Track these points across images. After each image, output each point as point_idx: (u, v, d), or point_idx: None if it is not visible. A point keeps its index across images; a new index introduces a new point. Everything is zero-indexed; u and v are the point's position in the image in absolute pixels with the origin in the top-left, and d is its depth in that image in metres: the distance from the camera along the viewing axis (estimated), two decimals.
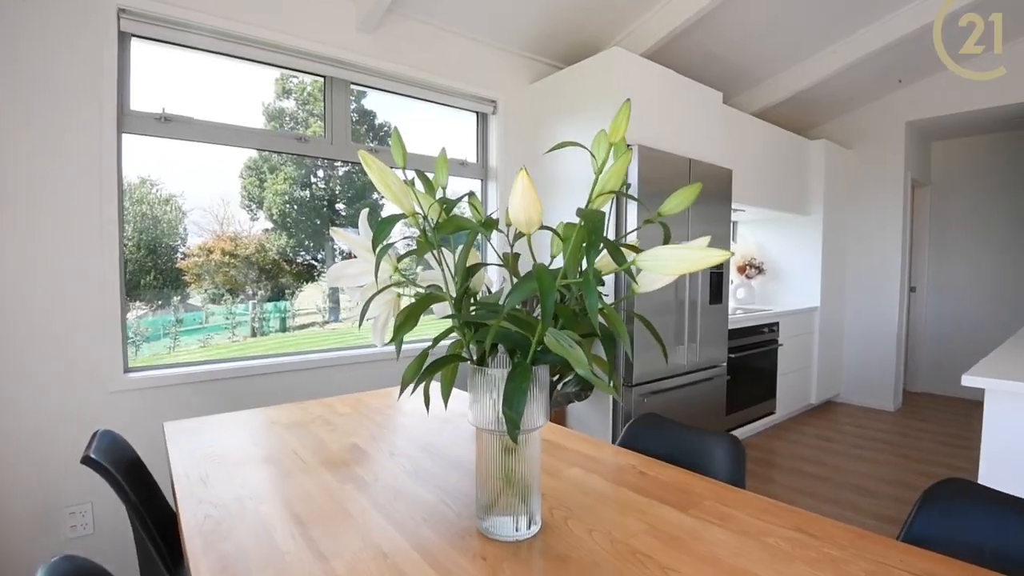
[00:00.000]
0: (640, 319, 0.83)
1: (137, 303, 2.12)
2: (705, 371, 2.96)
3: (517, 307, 0.93)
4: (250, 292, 2.37)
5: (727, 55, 3.39)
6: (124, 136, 1.95)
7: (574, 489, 1.06)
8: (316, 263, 2.47)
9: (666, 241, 0.85)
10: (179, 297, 2.23)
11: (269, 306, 2.46)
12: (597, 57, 2.59)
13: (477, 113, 2.98)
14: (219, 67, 2.21)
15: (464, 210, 1.09)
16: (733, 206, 3.26)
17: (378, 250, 0.84)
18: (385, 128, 2.83)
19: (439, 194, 0.98)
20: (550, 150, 0.77)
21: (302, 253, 2.49)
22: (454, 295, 0.94)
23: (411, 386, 0.80)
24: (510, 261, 1.04)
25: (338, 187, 2.68)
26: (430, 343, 0.83)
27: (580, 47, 3.01)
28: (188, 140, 2.07)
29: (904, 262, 4.51)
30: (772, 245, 4.66)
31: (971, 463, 3.25)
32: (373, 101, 2.77)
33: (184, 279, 2.23)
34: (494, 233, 0.98)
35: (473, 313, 0.90)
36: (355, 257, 0.97)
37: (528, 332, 0.82)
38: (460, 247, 1.01)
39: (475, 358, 0.87)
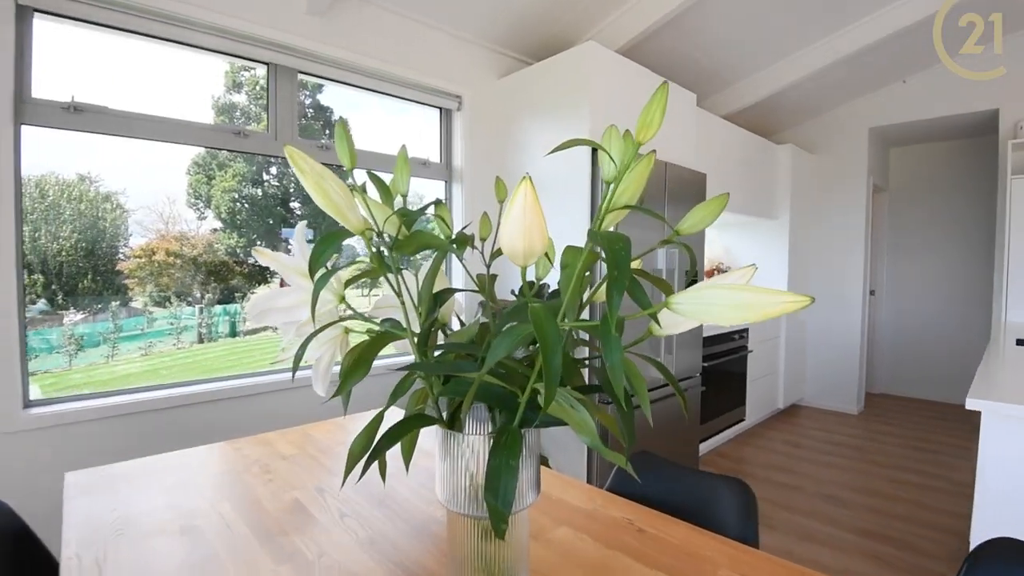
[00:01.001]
0: (657, 366, 0.65)
1: (71, 310, 1.97)
2: (681, 382, 2.85)
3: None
4: (198, 295, 2.24)
5: (699, 57, 3.30)
6: (26, 127, 1.66)
7: (563, 559, 0.88)
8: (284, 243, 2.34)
9: (692, 267, 0.68)
10: (118, 302, 2.09)
11: (218, 309, 2.32)
12: (570, 52, 2.42)
13: (441, 109, 2.77)
14: (155, 54, 1.97)
15: (429, 223, 0.89)
16: None
17: (317, 277, 0.63)
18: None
19: (398, 203, 0.79)
20: (554, 150, 0.58)
21: (296, 227, 2.27)
22: (417, 331, 0.75)
23: (359, 467, 0.60)
24: (487, 285, 0.85)
25: (292, 185, 2.47)
26: (383, 406, 0.63)
27: (550, 42, 2.84)
28: (98, 132, 1.79)
29: (866, 266, 4.56)
30: (740, 249, 4.63)
31: (940, 468, 3.27)
32: (330, 96, 2.53)
33: (125, 282, 2.10)
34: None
35: (440, 358, 0.70)
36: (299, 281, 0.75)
37: (515, 386, 0.63)
38: (424, 268, 0.81)
39: (444, 416, 0.68)
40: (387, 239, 0.74)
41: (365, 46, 2.32)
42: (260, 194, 2.41)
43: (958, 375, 4.66)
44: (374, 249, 0.73)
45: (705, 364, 3.18)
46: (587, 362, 0.75)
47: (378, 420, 0.62)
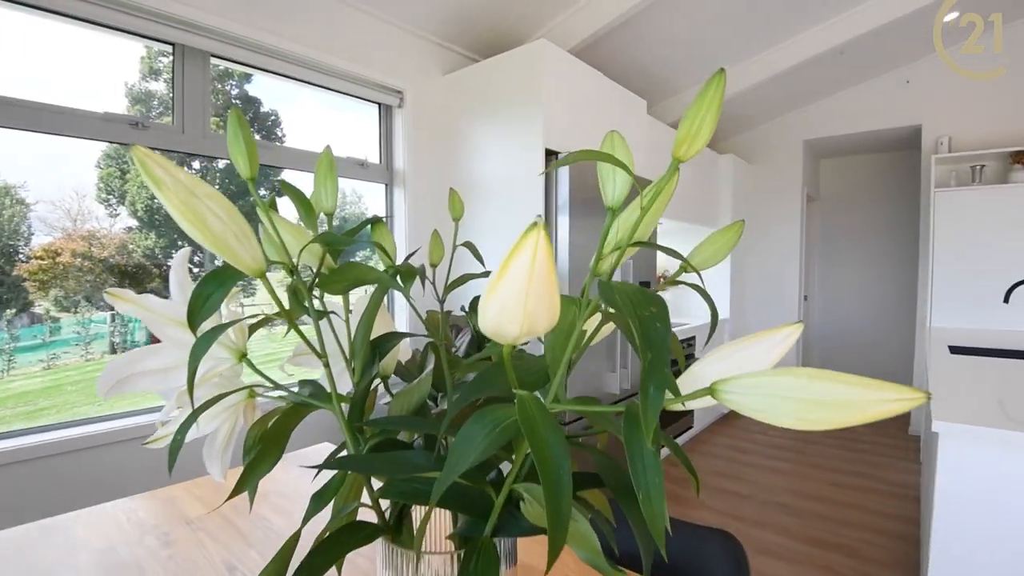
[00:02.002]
0: (673, 448, 0.50)
1: None
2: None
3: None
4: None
5: (649, 63, 3.25)
6: None
7: None
8: (192, 267, 2.13)
9: (714, 319, 0.52)
10: (15, 309, 1.90)
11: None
12: (522, 49, 2.28)
13: (380, 105, 2.54)
14: (45, 32, 1.65)
15: (368, 254, 0.69)
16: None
17: (199, 336, 0.44)
18: (272, 118, 2.33)
19: (323, 224, 0.60)
20: (560, 164, 0.41)
21: (175, 255, 1.99)
22: (348, 392, 0.57)
23: None
24: (440, 327, 0.68)
25: (218, 181, 2.22)
26: (296, 532, 0.44)
27: (498, 38, 2.69)
28: None
29: (801, 272, 4.71)
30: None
31: (875, 469, 3.38)
32: (260, 86, 2.25)
33: (24, 285, 1.91)
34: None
35: (380, 439, 0.52)
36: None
37: (483, 479, 0.46)
38: (358, 305, 0.64)
39: (388, 519, 0.50)
40: (308, 272, 0.56)
41: (294, 30, 2.07)
42: None
43: (886, 375, 4.89)
44: (292, 287, 0.54)
45: None
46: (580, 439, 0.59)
47: (292, 544, 0.43)
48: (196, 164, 2.15)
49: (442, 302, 0.68)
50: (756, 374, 0.33)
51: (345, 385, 0.65)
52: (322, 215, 0.60)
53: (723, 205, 4.44)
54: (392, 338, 0.63)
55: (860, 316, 5.17)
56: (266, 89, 2.27)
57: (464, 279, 0.72)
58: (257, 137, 2.26)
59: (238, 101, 2.29)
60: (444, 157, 2.63)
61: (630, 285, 0.34)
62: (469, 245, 0.79)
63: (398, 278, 0.63)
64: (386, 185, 2.59)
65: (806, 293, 5.26)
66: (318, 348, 0.52)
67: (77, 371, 1.99)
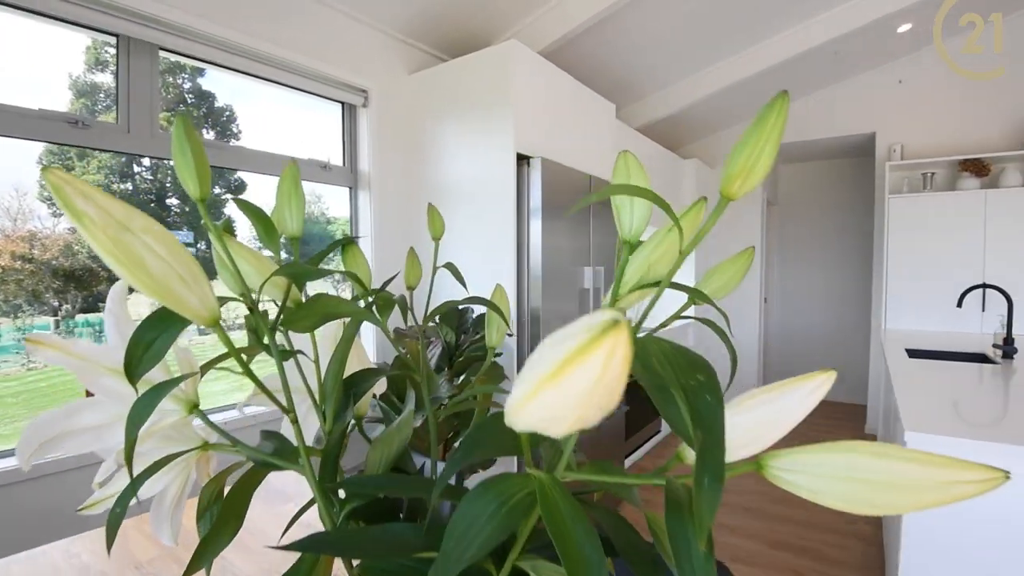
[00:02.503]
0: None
1: None
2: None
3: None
4: (56, 304, 1.96)
5: (616, 66, 3.25)
6: None
7: None
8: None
9: (734, 362, 0.48)
10: None
11: (81, 320, 2.03)
12: (492, 50, 2.22)
13: (343, 104, 2.44)
14: None
15: (343, 287, 0.63)
16: None
17: (143, 392, 0.37)
18: (227, 112, 2.20)
19: (288, 252, 0.53)
20: (595, 199, 0.36)
21: (111, 289, 1.87)
22: (316, 435, 0.51)
23: None
24: (420, 361, 0.62)
25: (169, 179, 2.10)
26: None
27: (466, 38, 2.62)
28: None
29: (762, 275, 4.83)
30: None
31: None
32: (215, 80, 2.12)
33: None
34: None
35: (358, 504, 0.46)
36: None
37: (488, 562, 0.41)
38: (326, 341, 0.58)
39: None
40: (272, 305, 0.49)
41: (250, 24, 1.95)
42: (131, 189, 2.08)
43: (843, 376, 5.09)
44: (253, 325, 0.47)
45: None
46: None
47: None
48: (146, 161, 2.01)
49: (422, 331, 0.61)
50: (810, 450, 0.29)
51: (312, 425, 0.58)
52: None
53: (685, 208, 4.50)
54: (368, 376, 0.57)
55: (817, 318, 5.34)
56: (221, 83, 2.14)
57: (446, 307, 0.66)
58: (210, 135, 2.12)
59: (191, 95, 2.15)
60: (411, 159, 2.55)
61: (665, 343, 0.29)
62: (451, 267, 0.73)
63: (375, 309, 0.56)
64: (350, 188, 2.48)
65: (766, 295, 5.41)
66: (284, 400, 0.46)
67: (18, 381, 1.89)
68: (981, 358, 2.61)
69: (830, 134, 4.26)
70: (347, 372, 0.56)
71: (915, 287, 3.62)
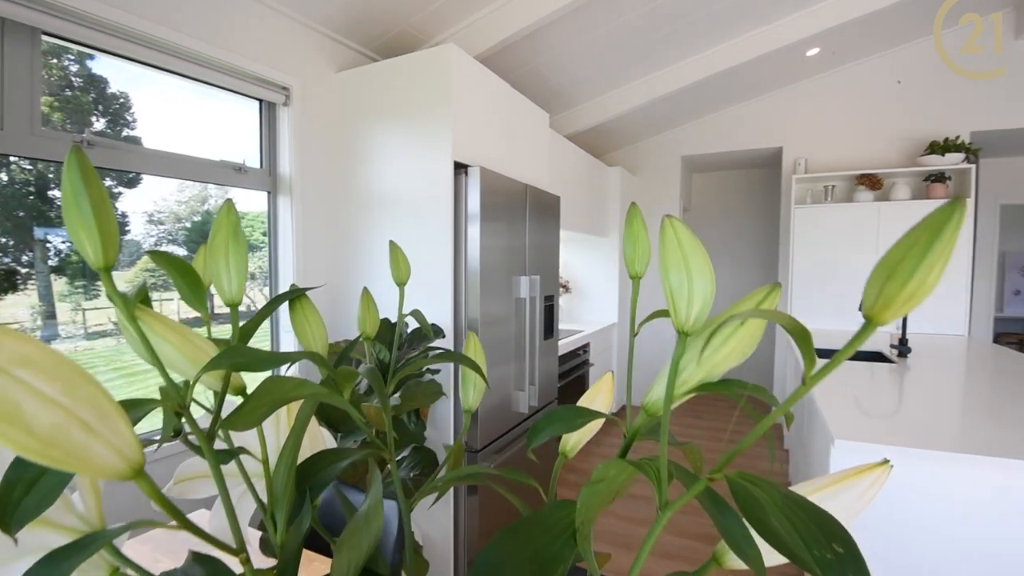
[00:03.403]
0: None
1: None
2: (541, 411, 2.72)
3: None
4: None
5: (549, 75, 3.23)
6: None
7: None
8: (21, 267, 1.83)
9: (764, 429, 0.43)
10: None
11: None
12: (428, 53, 2.11)
13: (262, 102, 2.22)
14: None
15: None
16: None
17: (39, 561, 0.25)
18: (122, 100, 1.92)
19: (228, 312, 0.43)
20: (697, 391, 0.29)
21: None
22: (256, 527, 0.41)
23: None
24: (388, 439, 0.54)
25: (52, 170, 1.81)
26: None
27: (398, 38, 2.49)
28: None
29: None
30: (576, 265, 4.78)
31: (745, 459, 3.71)
32: (107, 63, 1.83)
33: None
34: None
35: None
36: None
37: None
38: (269, 427, 0.48)
39: None
40: (203, 405, 0.39)
41: (150, 8, 1.71)
42: (4, 179, 1.83)
43: (751, 375, 5.47)
44: (174, 431, 0.36)
45: (558, 384, 3.13)
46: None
47: None
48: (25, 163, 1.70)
49: (385, 401, 0.52)
50: None
51: (247, 507, 0.48)
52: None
53: (611, 215, 4.61)
54: (326, 463, 0.47)
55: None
56: (116, 68, 1.85)
57: (419, 364, 0.57)
58: (100, 124, 1.84)
59: (78, 79, 1.85)
60: (339, 163, 2.38)
61: (776, 490, 0.23)
62: (417, 314, 0.64)
63: (334, 383, 0.47)
64: (269, 193, 2.26)
65: None
66: (231, 537, 0.35)
67: None
68: (879, 357, 2.86)
69: (741, 147, 4.54)
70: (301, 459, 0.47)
71: (818, 290, 3.94)
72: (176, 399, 0.34)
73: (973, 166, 3.49)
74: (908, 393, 2.12)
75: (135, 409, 0.33)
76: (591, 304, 4.74)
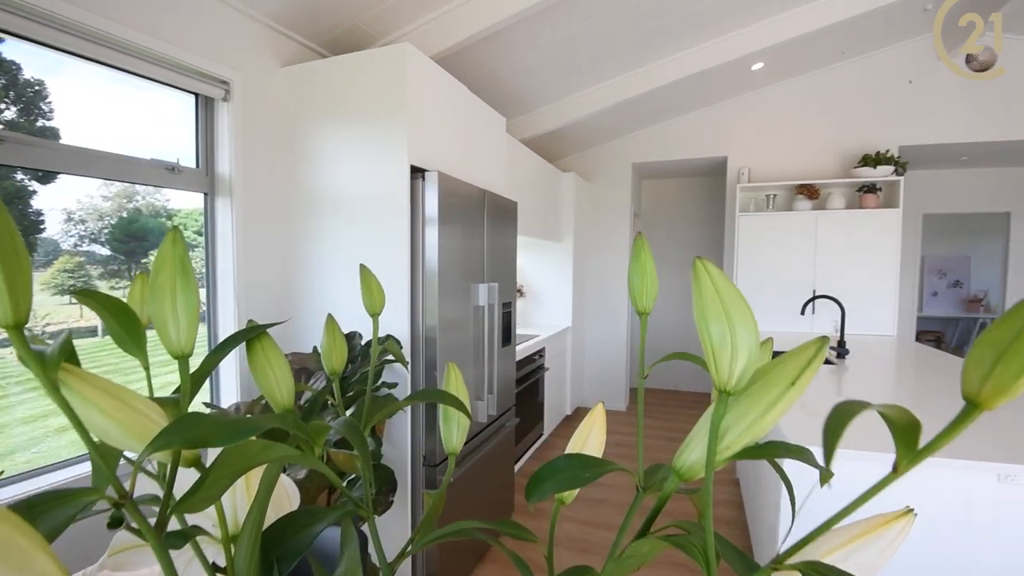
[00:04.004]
0: None
1: None
2: (499, 420, 2.68)
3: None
4: None
5: (507, 78, 3.20)
6: None
7: None
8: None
9: (792, 502, 0.41)
10: None
11: None
12: (383, 51, 2.01)
13: (198, 96, 2.05)
14: None
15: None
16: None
17: None
18: (36, 87, 1.72)
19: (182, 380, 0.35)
20: (736, 458, 0.24)
21: None
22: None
23: None
24: (366, 490, 0.48)
25: None
26: None
27: (349, 34, 2.38)
28: None
29: None
30: (531, 269, 4.76)
31: None
32: (20, 47, 1.63)
33: None
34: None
35: None
36: None
37: None
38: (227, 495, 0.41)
39: None
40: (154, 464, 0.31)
41: None
42: None
43: (697, 369, 5.65)
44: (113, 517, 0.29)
45: (516, 390, 3.10)
46: None
47: None
48: None
49: (367, 455, 0.46)
50: None
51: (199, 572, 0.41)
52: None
53: (565, 220, 4.63)
54: (298, 528, 0.41)
55: (679, 318, 5.85)
56: (30, 52, 1.66)
57: (397, 406, 0.51)
58: (10, 113, 1.64)
59: None
60: (284, 164, 2.24)
61: None
62: (392, 346, 0.58)
63: (306, 441, 0.41)
64: (206, 195, 2.10)
65: None
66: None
67: None
68: None
69: (689, 155, 4.67)
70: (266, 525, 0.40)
71: (761, 293, 4.10)
72: (115, 486, 0.27)
73: (901, 178, 3.74)
74: (849, 393, 2.22)
75: (63, 506, 0.25)
76: (545, 308, 4.74)
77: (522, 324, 4.66)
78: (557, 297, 4.67)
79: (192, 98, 2.05)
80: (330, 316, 0.58)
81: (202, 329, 2.16)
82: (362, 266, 0.55)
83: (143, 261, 2.06)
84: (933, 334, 6.78)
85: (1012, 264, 5.03)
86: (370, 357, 1.89)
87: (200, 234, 2.13)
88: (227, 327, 2.11)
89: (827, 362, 2.86)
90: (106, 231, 1.94)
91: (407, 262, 2.01)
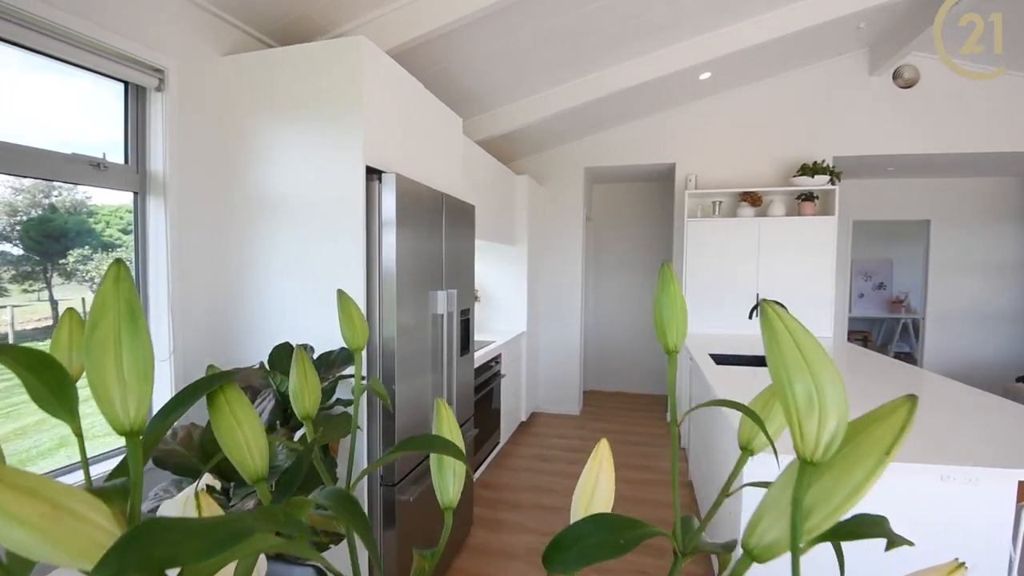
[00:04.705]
0: None
1: None
2: (462, 427, 2.60)
3: None
4: None
5: (463, 76, 3.12)
6: None
7: None
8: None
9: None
10: None
11: None
12: (336, 43, 1.90)
13: (127, 84, 1.87)
14: None
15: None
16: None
17: None
18: None
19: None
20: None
21: None
22: None
23: None
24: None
25: None
26: None
27: (296, 23, 2.23)
28: None
29: (583, 284, 5.18)
30: (485, 273, 4.70)
31: (650, 460, 3.87)
32: None
33: None
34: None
35: None
36: None
37: None
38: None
39: None
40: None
41: None
42: None
43: (645, 371, 5.77)
44: None
45: (475, 398, 3.03)
46: None
47: None
48: None
49: (350, 522, 0.39)
50: None
51: None
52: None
53: (519, 224, 4.60)
54: None
55: (628, 319, 5.96)
56: None
57: (389, 457, 0.44)
58: None
59: None
60: (224, 161, 2.07)
61: None
62: (376, 383, 0.51)
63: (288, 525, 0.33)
64: (136, 194, 1.91)
65: (584, 300, 5.85)
66: None
67: None
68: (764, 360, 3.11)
69: (639, 161, 4.75)
70: None
71: (709, 296, 4.22)
72: None
73: (836, 187, 3.95)
74: None
75: None
76: (500, 313, 4.69)
77: (478, 329, 4.59)
78: (512, 301, 4.63)
79: (121, 87, 1.86)
80: (299, 349, 0.50)
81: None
82: (340, 292, 0.48)
83: (61, 262, 1.85)
84: (861, 334, 7.25)
85: (932, 268, 5.43)
86: (324, 371, 1.77)
87: (126, 233, 1.94)
88: (160, 342, 1.93)
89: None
90: (18, 228, 1.73)
91: (363, 268, 1.91)
